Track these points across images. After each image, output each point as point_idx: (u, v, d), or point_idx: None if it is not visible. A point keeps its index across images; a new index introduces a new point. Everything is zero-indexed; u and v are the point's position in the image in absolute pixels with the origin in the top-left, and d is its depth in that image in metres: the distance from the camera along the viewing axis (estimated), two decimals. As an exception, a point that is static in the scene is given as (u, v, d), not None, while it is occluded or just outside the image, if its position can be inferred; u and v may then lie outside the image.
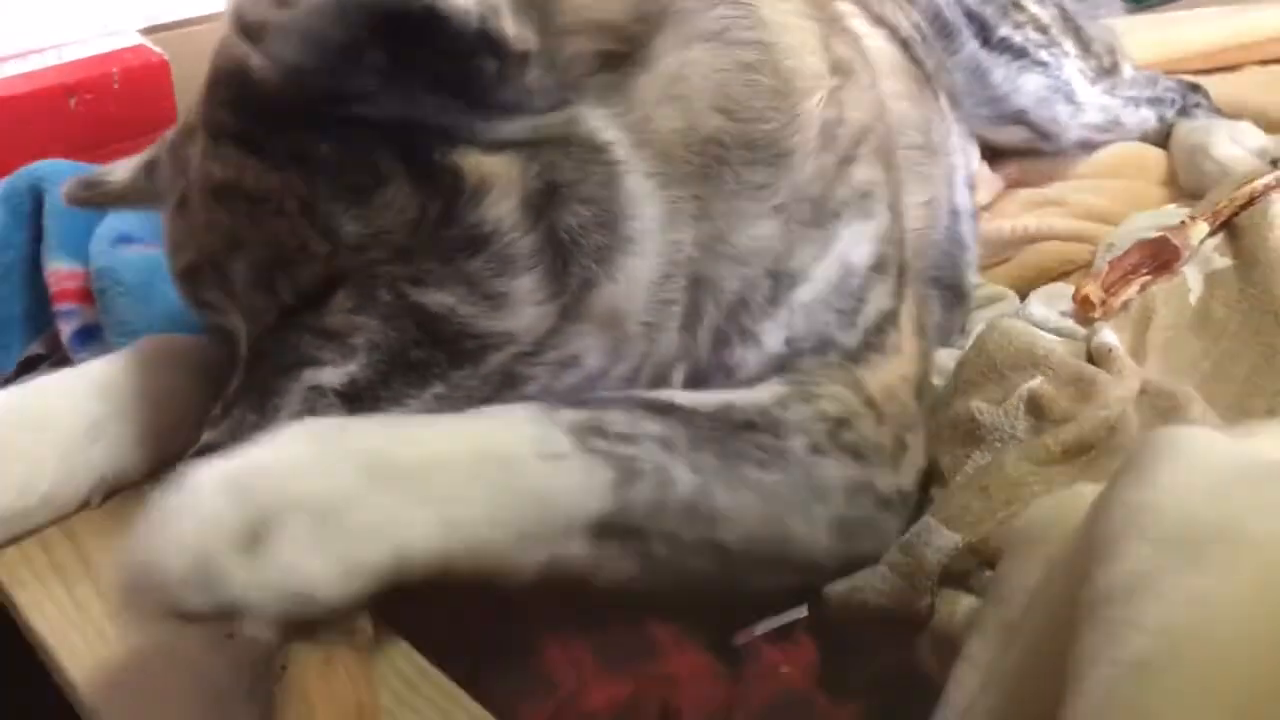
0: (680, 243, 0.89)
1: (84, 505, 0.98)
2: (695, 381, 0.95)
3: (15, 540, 0.94)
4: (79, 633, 0.84)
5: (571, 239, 0.82)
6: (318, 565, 0.66)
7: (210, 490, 0.66)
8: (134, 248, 1.24)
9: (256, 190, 0.80)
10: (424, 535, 0.70)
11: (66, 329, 1.26)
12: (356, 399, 0.81)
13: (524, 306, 0.81)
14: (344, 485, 0.69)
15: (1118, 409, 0.95)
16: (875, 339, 0.99)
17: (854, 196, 0.99)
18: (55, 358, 1.26)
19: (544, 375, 0.85)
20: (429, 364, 0.81)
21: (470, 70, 0.80)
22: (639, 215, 0.85)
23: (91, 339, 1.25)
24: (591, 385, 0.88)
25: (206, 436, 0.81)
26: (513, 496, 0.74)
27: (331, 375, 0.81)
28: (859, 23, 1.27)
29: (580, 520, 0.76)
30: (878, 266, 1.00)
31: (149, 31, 1.71)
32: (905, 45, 1.44)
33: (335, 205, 0.79)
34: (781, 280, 0.95)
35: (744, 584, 0.86)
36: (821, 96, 0.96)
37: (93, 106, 1.50)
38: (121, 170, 1.08)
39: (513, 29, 0.80)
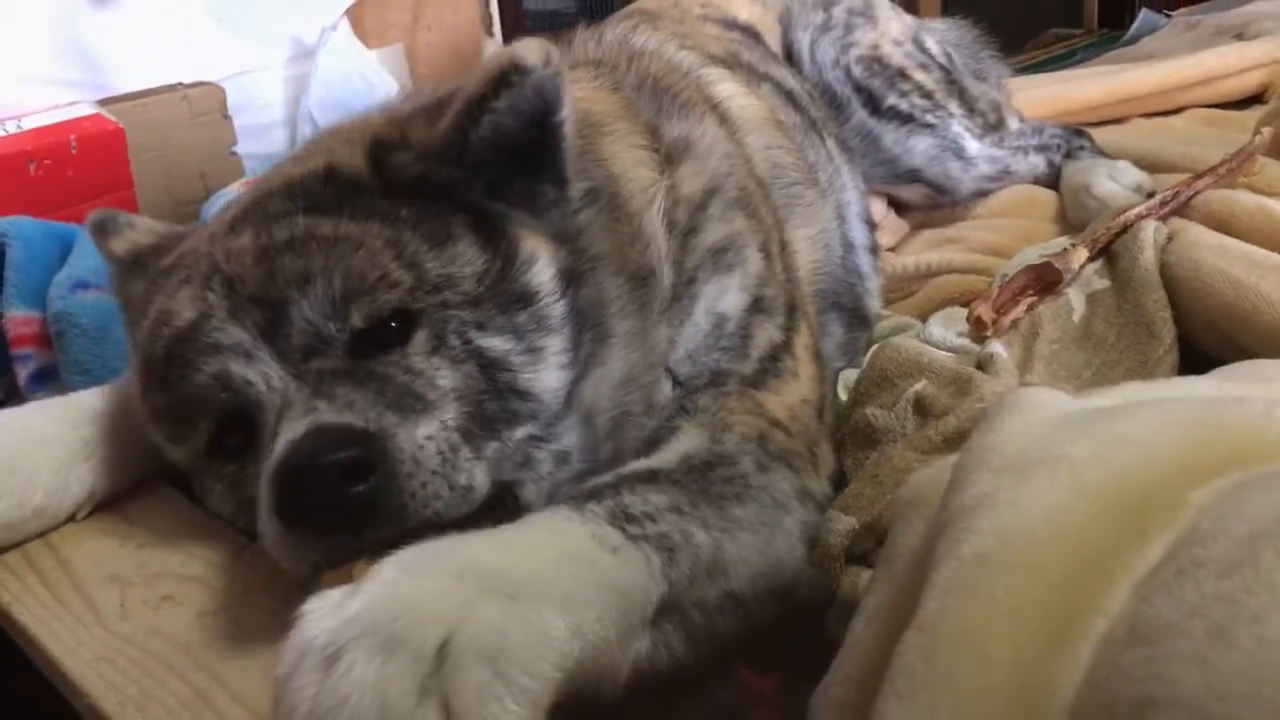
0: (635, 363, 1.00)
1: (70, 518, 1.05)
2: None
3: (6, 550, 1.00)
4: (59, 620, 0.90)
5: (584, 313, 0.96)
6: (517, 712, 0.63)
7: (365, 651, 0.63)
8: (90, 293, 1.32)
9: (335, 235, 0.90)
10: (565, 644, 0.69)
11: (23, 372, 1.34)
12: (468, 436, 0.85)
13: (552, 368, 0.93)
14: (490, 618, 0.66)
15: (992, 401, 1.04)
16: (771, 365, 1.08)
17: (706, 257, 1.09)
18: (12, 402, 1.33)
19: (547, 465, 0.91)
20: (496, 418, 0.88)
21: (533, 191, 0.97)
22: (613, 312, 0.99)
23: (47, 381, 1.33)
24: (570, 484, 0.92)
25: (320, 418, 0.81)
26: (607, 594, 0.75)
27: (447, 415, 0.86)
28: (726, 85, 1.38)
29: (651, 608, 0.79)
30: (756, 308, 1.10)
31: (105, 103, 1.82)
32: (790, 95, 1.56)
33: (419, 245, 0.91)
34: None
35: (756, 626, 0.90)
36: (659, 204, 1.08)
37: (51, 170, 1.60)
38: (136, 239, 1.12)
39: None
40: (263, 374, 0.87)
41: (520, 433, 0.90)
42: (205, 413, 0.90)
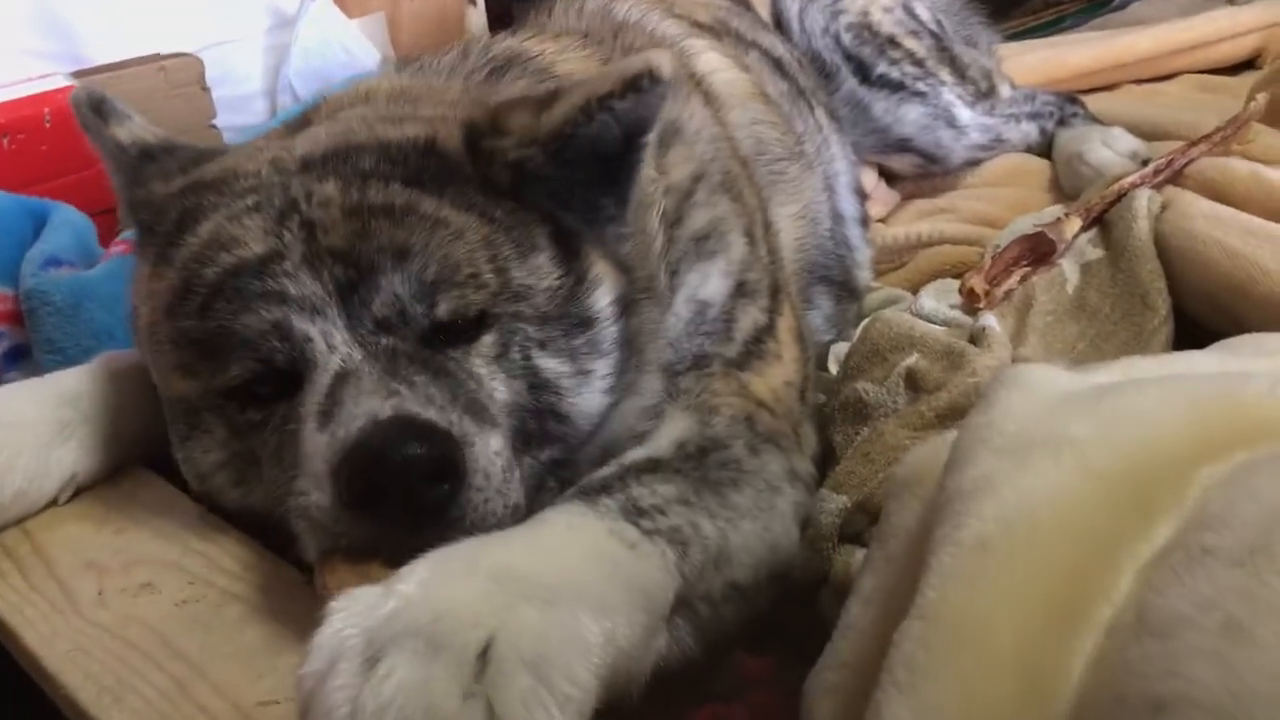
0: (658, 390, 1.00)
1: (51, 503, 1.02)
2: None
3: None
4: (34, 608, 0.88)
5: (633, 341, 0.97)
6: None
7: (408, 653, 0.61)
8: (63, 270, 1.30)
9: (436, 217, 0.88)
10: (602, 650, 0.68)
11: (-3, 350, 1.31)
12: (514, 452, 0.85)
13: (596, 392, 0.93)
14: (529, 623, 0.66)
15: (985, 375, 1.03)
16: (755, 348, 1.07)
17: (689, 246, 1.08)
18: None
19: (551, 496, 0.88)
20: (531, 436, 0.89)
21: (594, 203, 0.95)
22: (648, 341, 0.99)
23: (21, 359, 1.31)
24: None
25: (404, 404, 0.79)
26: (633, 595, 0.74)
27: (504, 429, 0.85)
28: (710, 58, 1.36)
29: (669, 605, 0.78)
30: (739, 292, 1.09)
31: (80, 74, 1.78)
32: (778, 63, 1.53)
33: (509, 250, 0.90)
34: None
35: (757, 613, 0.90)
36: (658, 205, 1.06)
37: (25, 145, 1.56)
38: (136, 132, 1.06)
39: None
40: (324, 331, 0.85)
41: (546, 455, 0.90)
42: (246, 357, 0.86)
